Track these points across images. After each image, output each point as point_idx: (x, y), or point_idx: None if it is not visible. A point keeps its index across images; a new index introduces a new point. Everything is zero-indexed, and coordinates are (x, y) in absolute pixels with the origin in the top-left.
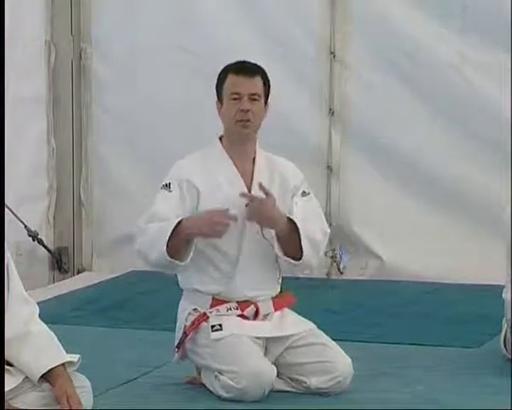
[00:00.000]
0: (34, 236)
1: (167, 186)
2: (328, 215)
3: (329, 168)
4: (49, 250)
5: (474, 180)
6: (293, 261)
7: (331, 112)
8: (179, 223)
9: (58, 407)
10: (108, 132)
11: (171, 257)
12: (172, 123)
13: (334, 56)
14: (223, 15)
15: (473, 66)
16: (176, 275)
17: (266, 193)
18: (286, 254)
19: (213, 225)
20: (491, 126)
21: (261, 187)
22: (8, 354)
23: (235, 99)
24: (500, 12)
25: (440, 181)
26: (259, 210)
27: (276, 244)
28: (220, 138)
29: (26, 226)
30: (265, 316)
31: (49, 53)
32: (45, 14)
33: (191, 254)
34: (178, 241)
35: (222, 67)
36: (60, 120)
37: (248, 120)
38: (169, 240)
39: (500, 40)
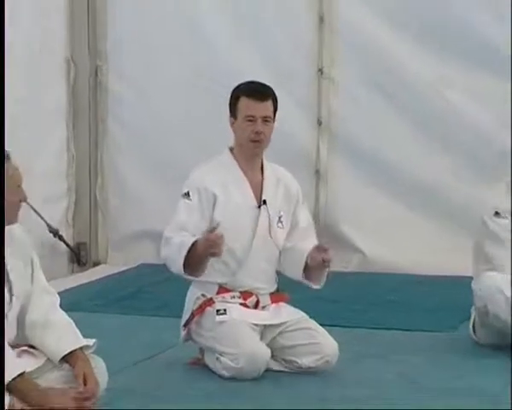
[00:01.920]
0: (55, 232)
1: (187, 195)
2: (316, 215)
3: (317, 173)
4: (68, 245)
5: (446, 184)
6: (314, 286)
7: (319, 123)
8: (194, 243)
9: (77, 385)
10: (121, 141)
11: (189, 273)
12: (179, 134)
13: (321, 73)
14: (226, 37)
15: (449, 85)
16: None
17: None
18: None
19: (210, 249)
20: (464, 138)
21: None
22: (32, 339)
23: (249, 120)
24: (475, 36)
25: (417, 185)
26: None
27: (301, 273)
28: (230, 149)
29: (48, 224)
30: (263, 307)
31: (69, 69)
32: (66, 34)
33: (205, 270)
34: (193, 259)
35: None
36: (78, 130)
37: (261, 141)
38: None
39: (475, 62)
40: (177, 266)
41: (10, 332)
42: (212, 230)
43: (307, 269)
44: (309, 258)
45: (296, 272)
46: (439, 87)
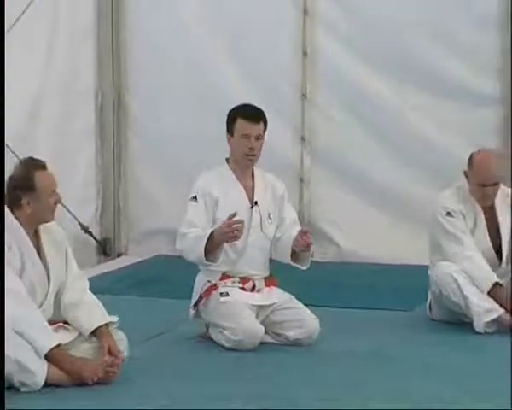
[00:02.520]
0: (86, 229)
1: (195, 198)
2: (300, 214)
3: (301, 180)
4: (96, 240)
5: (406, 190)
6: (301, 267)
7: (302, 139)
8: (211, 233)
9: (103, 356)
10: (139, 154)
11: (207, 259)
12: (186, 147)
13: (305, 97)
14: (222, 64)
15: (409, 106)
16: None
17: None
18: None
19: (231, 233)
20: (421, 152)
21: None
22: (66, 317)
23: (245, 138)
24: (428, 65)
25: (383, 190)
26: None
27: (289, 257)
28: (227, 159)
29: (79, 222)
30: (259, 290)
31: (97, 96)
32: (94, 68)
33: (221, 256)
34: (212, 247)
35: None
36: (104, 145)
37: (254, 155)
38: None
39: (430, 87)
40: (196, 254)
41: (48, 312)
42: (231, 217)
43: (294, 253)
44: (294, 242)
45: (285, 257)
46: (401, 108)
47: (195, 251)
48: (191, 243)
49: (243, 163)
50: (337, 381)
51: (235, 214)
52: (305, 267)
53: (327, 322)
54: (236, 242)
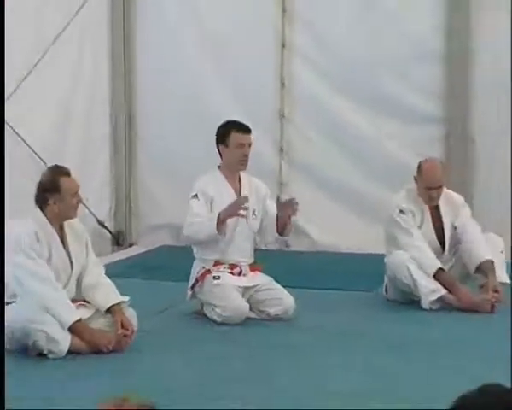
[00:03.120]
0: (102, 224)
1: (196, 196)
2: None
3: (281, 183)
4: (111, 233)
5: (369, 192)
6: (281, 238)
7: (281, 149)
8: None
9: (116, 329)
10: (146, 163)
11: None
12: (185, 156)
13: (283, 117)
14: (214, 92)
15: (373, 127)
16: (191, 248)
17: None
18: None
19: (237, 209)
20: (379, 162)
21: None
22: (85, 296)
23: (240, 147)
24: (391, 97)
25: (349, 192)
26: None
27: (275, 233)
28: (218, 166)
29: (97, 218)
30: (245, 274)
31: (111, 116)
32: (109, 94)
33: (226, 230)
34: (219, 223)
35: (215, 122)
36: (117, 156)
37: (247, 160)
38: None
39: (388, 112)
40: (207, 232)
41: (71, 292)
42: (240, 199)
43: (278, 228)
44: (279, 210)
45: (272, 233)
46: (364, 128)
47: (205, 230)
48: (200, 226)
49: (237, 168)
50: (309, 351)
51: (245, 198)
52: (287, 237)
53: (301, 301)
54: (240, 218)
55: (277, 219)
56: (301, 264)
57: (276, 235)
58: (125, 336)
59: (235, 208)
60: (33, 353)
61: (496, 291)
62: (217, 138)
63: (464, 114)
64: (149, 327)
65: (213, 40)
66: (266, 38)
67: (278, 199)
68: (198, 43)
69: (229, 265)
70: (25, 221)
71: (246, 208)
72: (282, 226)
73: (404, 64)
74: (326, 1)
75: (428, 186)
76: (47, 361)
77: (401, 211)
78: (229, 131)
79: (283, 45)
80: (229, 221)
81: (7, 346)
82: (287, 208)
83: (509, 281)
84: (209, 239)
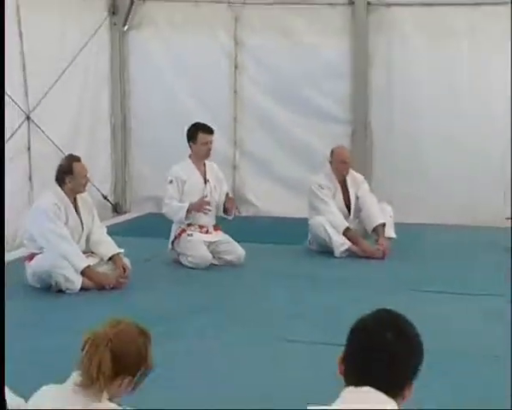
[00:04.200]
0: (105, 197)
1: (171, 182)
2: (233, 189)
3: (234, 167)
4: (111, 203)
5: (297, 174)
6: (228, 217)
7: (235, 143)
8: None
9: (117, 271)
10: (137, 153)
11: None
12: (166, 148)
13: (236, 119)
14: (187, 103)
15: (299, 126)
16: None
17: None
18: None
19: (201, 207)
20: (301, 149)
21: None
22: (92, 249)
23: (205, 144)
24: (308, 100)
25: (284, 177)
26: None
27: (222, 212)
28: (189, 156)
29: (101, 193)
30: (210, 233)
31: (111, 120)
32: (109, 103)
33: (191, 216)
34: (188, 212)
35: (187, 124)
36: (116, 149)
37: (209, 154)
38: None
39: (309, 114)
40: (179, 216)
41: (82, 246)
42: (203, 197)
43: (225, 210)
44: (226, 201)
45: (220, 211)
46: (293, 127)
47: (178, 215)
48: (175, 210)
49: (203, 158)
50: (257, 286)
51: (205, 196)
52: (230, 218)
53: (249, 252)
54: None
55: (224, 205)
56: (249, 225)
57: (222, 214)
58: (122, 277)
59: (200, 206)
60: (55, 289)
61: (385, 244)
62: (187, 136)
63: (365, 117)
64: (139, 271)
65: (185, 67)
66: (224, 63)
67: (227, 194)
68: (175, 71)
69: (199, 226)
70: (49, 194)
71: (209, 209)
72: (226, 210)
73: (321, 80)
74: (265, 35)
75: (340, 160)
76: (64, 296)
77: (320, 186)
78: (196, 132)
79: (236, 67)
80: (199, 196)
81: (36, 285)
82: (230, 202)
83: (394, 236)
84: (179, 221)
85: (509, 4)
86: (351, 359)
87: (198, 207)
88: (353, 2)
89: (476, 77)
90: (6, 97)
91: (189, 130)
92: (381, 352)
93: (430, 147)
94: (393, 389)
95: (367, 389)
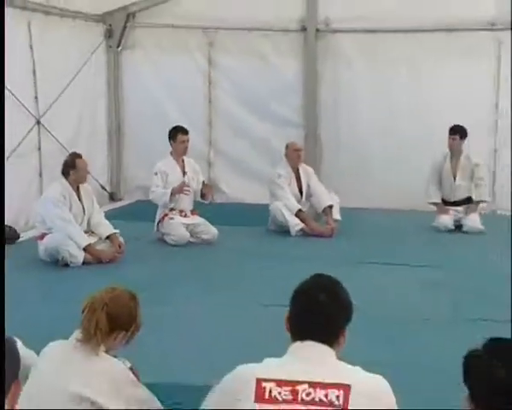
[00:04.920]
0: (103, 187)
1: (156, 174)
2: (209, 180)
3: (209, 162)
4: (108, 192)
5: (260, 167)
6: (205, 202)
7: (210, 143)
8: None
9: (114, 247)
10: (129, 153)
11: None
12: (151, 150)
13: (210, 123)
14: (170, 112)
15: (262, 129)
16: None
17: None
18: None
19: (182, 189)
20: (261, 145)
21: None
22: (93, 230)
23: (183, 143)
24: (268, 109)
25: (248, 169)
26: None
27: (200, 198)
28: (171, 153)
29: (100, 183)
30: (188, 216)
31: (107, 124)
32: (106, 112)
33: (174, 200)
34: (172, 196)
35: (169, 125)
36: (112, 148)
37: (187, 151)
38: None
39: (267, 119)
40: (163, 200)
41: (83, 227)
42: (183, 183)
43: (202, 195)
44: (203, 188)
45: (198, 196)
46: (256, 130)
47: (163, 199)
48: (160, 196)
49: (181, 155)
50: (229, 261)
51: (184, 182)
52: (207, 202)
53: (221, 232)
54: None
55: (202, 192)
56: (221, 210)
57: (200, 199)
58: (117, 252)
59: (181, 188)
60: (61, 263)
61: (333, 224)
62: (168, 137)
63: (315, 123)
64: (131, 248)
65: (169, 82)
66: (199, 79)
67: (204, 182)
68: (160, 85)
69: (179, 211)
70: (56, 185)
71: (188, 190)
72: (203, 196)
73: (280, 93)
74: (234, 56)
75: (294, 148)
76: (69, 269)
77: (278, 175)
78: (176, 133)
79: (209, 83)
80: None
81: (47, 259)
82: (207, 188)
83: (340, 218)
84: (164, 205)
85: (441, 32)
86: (294, 318)
87: (179, 189)
88: (305, 29)
89: (411, 96)
90: (20, 106)
91: (169, 132)
92: (317, 311)
93: (369, 146)
94: (330, 339)
95: (310, 343)
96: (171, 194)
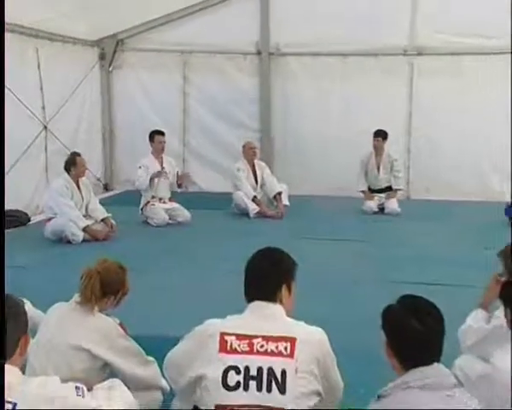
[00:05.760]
0: (98, 179)
1: (140, 167)
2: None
3: (183, 160)
4: (102, 184)
5: (224, 163)
6: (179, 190)
7: (184, 143)
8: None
9: (108, 228)
10: (120, 151)
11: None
12: (139, 149)
13: (185, 127)
14: (153, 119)
15: (232, 134)
16: (140, 192)
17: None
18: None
19: (159, 174)
20: (229, 147)
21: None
22: (90, 214)
23: (160, 143)
24: (236, 118)
25: (216, 162)
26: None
27: (176, 187)
28: (152, 152)
29: (96, 177)
30: (166, 203)
31: (102, 129)
32: (101, 117)
33: (154, 188)
34: (151, 181)
35: (150, 128)
36: (105, 147)
37: (164, 149)
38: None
39: (234, 126)
40: (144, 185)
41: (82, 212)
42: (159, 171)
43: (179, 185)
44: (178, 178)
45: (175, 187)
46: (223, 133)
47: (144, 184)
48: (142, 182)
49: (159, 153)
50: (202, 238)
51: (160, 171)
52: (183, 188)
53: (196, 216)
54: (162, 178)
55: (177, 180)
56: (194, 198)
57: (177, 189)
58: (111, 232)
59: (159, 173)
60: (65, 241)
61: (282, 208)
62: (149, 138)
63: (269, 127)
64: (121, 228)
65: (151, 95)
66: (176, 92)
67: (177, 173)
68: (145, 98)
69: (159, 198)
70: (59, 179)
71: (163, 175)
72: (179, 185)
73: (241, 102)
74: (204, 73)
75: (249, 147)
76: (72, 245)
77: (238, 169)
78: (154, 135)
79: (184, 95)
80: (159, 179)
81: (52, 238)
82: (182, 177)
83: (288, 204)
84: (146, 188)
85: (368, 56)
86: (247, 283)
87: (157, 174)
88: (260, 53)
89: (344, 105)
90: (30, 114)
91: (150, 134)
92: (261, 275)
93: (312, 146)
94: (274, 295)
95: (263, 303)
96: (151, 178)
